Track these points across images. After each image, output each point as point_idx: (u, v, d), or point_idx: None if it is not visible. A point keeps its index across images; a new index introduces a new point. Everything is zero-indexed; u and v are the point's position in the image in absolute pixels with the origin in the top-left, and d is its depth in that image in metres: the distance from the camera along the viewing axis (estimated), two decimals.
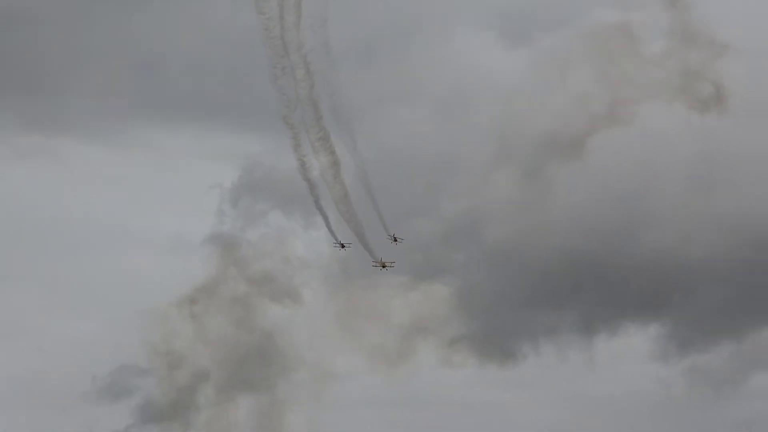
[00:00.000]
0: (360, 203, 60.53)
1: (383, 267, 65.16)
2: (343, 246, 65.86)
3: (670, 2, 69.45)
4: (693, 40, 68.79)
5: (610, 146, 74.60)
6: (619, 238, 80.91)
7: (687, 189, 77.57)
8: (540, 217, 74.51)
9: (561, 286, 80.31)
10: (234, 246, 72.53)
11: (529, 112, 78.02)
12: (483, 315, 61.63)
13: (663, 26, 70.93)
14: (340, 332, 67.71)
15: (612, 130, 72.74)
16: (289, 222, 73.62)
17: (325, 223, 60.47)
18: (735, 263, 52.48)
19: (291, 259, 72.05)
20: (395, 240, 66.82)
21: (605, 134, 72.98)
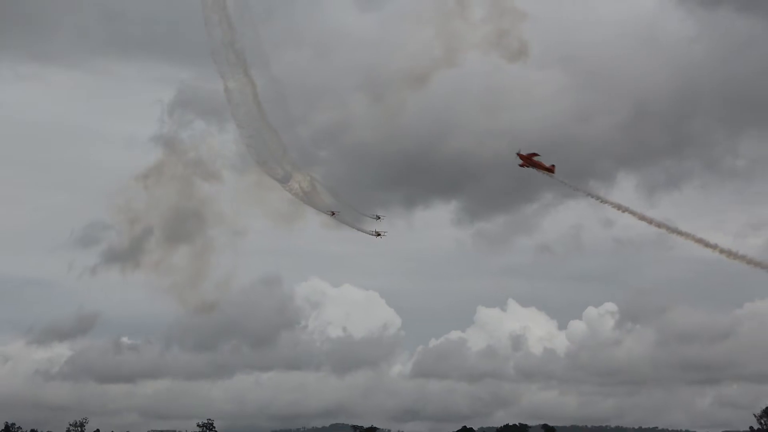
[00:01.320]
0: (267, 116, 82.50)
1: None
2: (333, 213, 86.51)
3: None
4: (503, 9, 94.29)
5: (445, 82, 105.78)
6: (435, 141, 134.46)
7: (484, 110, 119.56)
8: (388, 128, 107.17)
9: (394, 174, 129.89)
10: (172, 143, 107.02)
11: (386, 55, 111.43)
12: (343, 194, 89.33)
13: None
14: (249, 201, 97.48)
15: (446, 70, 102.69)
16: (209, 127, 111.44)
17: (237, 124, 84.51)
18: (510, 162, 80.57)
19: (211, 151, 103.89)
20: (378, 218, 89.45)
21: (442, 73, 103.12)
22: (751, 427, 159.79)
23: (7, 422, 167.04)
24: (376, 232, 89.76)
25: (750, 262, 77.67)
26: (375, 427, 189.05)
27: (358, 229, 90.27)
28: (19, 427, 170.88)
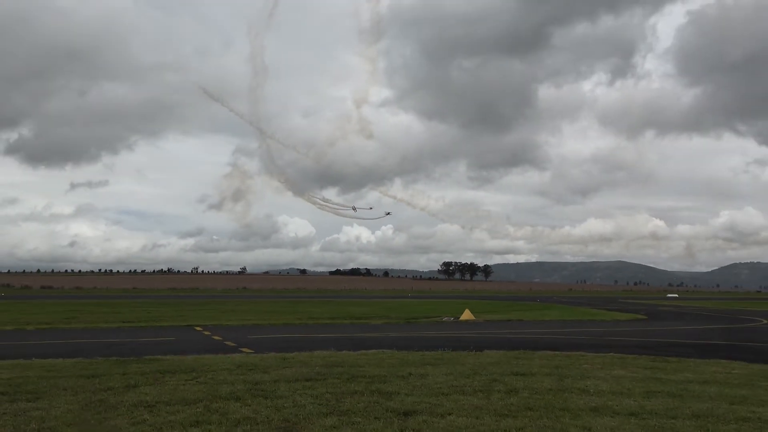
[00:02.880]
0: None
1: None
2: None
3: None
4: None
5: None
6: None
7: None
8: None
9: None
10: None
11: None
12: None
13: None
14: None
15: None
16: None
17: None
18: None
19: None
20: (354, 209, 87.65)
21: None
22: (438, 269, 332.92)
23: (168, 267, 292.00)
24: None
25: None
26: (305, 269, 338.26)
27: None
28: (173, 269, 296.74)
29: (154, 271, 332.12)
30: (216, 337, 25.79)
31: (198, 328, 31.01)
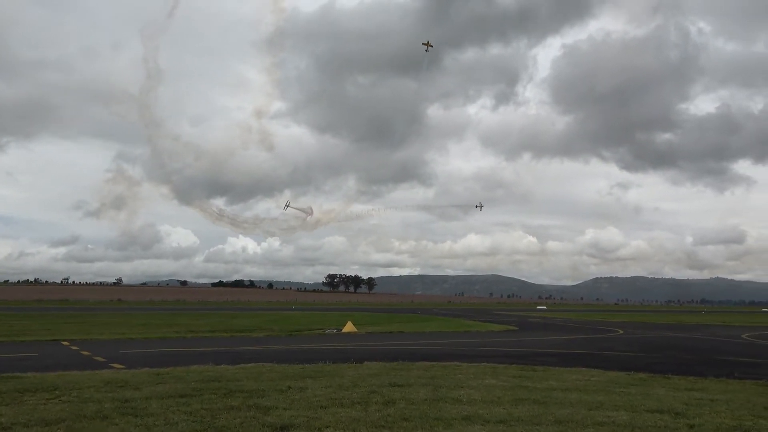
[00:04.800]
0: None
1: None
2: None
3: None
4: None
5: None
6: None
7: None
8: None
9: None
10: None
11: None
12: None
13: None
14: None
15: None
16: None
17: None
18: None
19: None
20: (286, 206, 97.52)
21: None
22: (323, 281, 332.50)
23: (36, 277, 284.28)
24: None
25: None
26: (186, 281, 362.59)
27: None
28: (40, 280, 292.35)
29: (19, 281, 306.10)
30: (84, 352, 24.14)
31: (65, 343, 28.88)
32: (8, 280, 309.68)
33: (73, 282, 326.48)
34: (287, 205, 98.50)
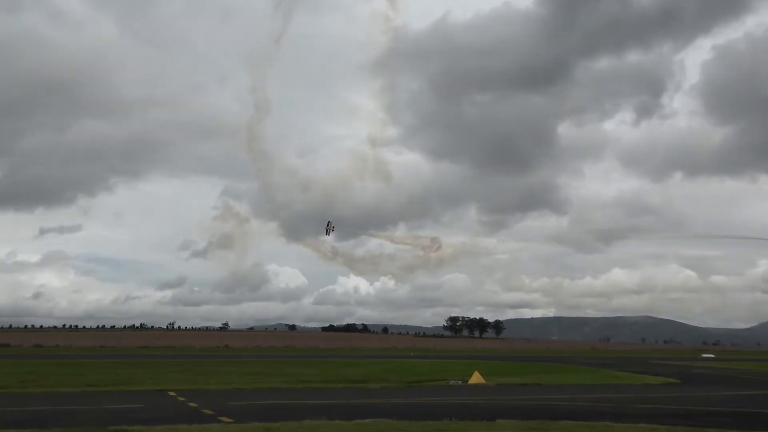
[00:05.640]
0: None
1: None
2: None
3: None
4: None
5: None
6: None
7: None
8: None
9: None
10: None
11: None
12: None
13: None
14: None
15: None
16: None
17: None
18: None
19: None
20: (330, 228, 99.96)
21: None
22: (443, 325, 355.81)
23: (141, 323, 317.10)
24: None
25: None
26: (294, 325, 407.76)
27: None
28: (146, 325, 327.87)
29: (125, 327, 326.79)
30: (192, 404, 25.30)
31: (172, 393, 30.47)
32: (115, 326, 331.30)
33: (179, 327, 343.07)
34: (332, 229, 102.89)
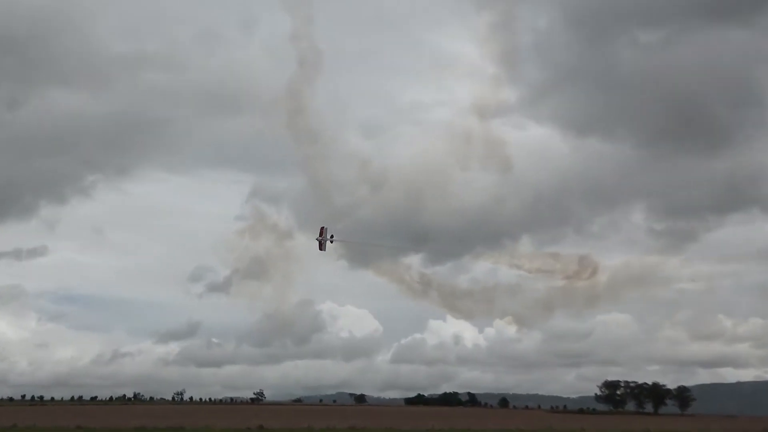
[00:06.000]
0: None
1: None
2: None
3: None
4: None
5: None
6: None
7: None
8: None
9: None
10: (247, 217, 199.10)
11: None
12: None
13: None
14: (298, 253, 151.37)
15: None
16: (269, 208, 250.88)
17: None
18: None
19: (274, 222, 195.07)
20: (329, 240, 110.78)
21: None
22: (596, 394, 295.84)
23: (135, 392, 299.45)
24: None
25: None
26: (364, 395, 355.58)
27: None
28: (142, 395, 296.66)
29: (112, 398, 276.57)
30: None
31: None
32: (97, 396, 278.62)
33: (191, 398, 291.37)
34: (328, 239, 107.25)
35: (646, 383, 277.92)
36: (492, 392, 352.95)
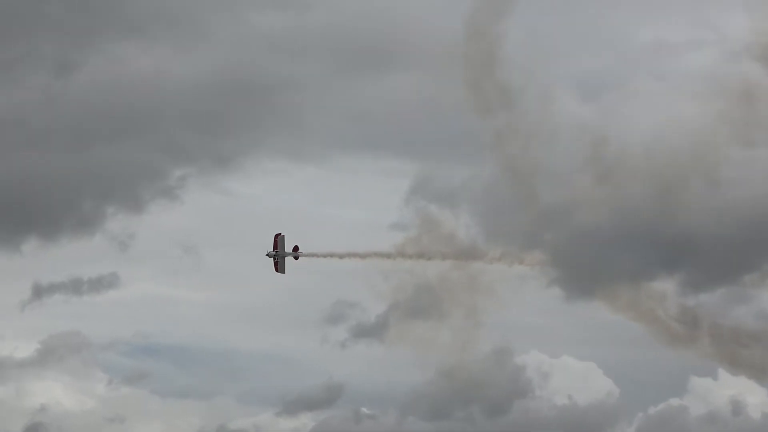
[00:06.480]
0: None
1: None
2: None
3: None
4: None
5: None
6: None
7: None
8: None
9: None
10: (409, 228, 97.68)
11: None
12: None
13: None
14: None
15: None
16: (442, 211, 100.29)
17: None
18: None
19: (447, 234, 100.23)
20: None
21: None
22: None
23: None
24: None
25: None
26: None
27: None
28: None
29: None
30: None
31: None
32: None
33: None
34: (289, 254, 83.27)
35: None
36: None
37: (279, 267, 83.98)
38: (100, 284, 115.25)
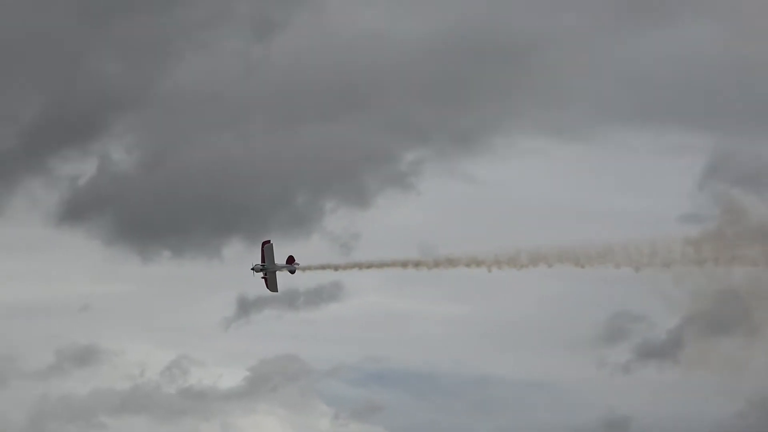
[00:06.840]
0: None
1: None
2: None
3: None
4: None
5: None
6: None
7: None
8: None
9: None
10: (705, 220, 70.26)
11: None
12: None
13: None
14: None
15: None
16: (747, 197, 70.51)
17: None
18: None
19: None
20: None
21: None
22: None
23: None
24: None
25: None
26: None
27: None
28: None
29: None
30: None
31: None
32: None
33: None
34: (282, 267, 69.16)
35: None
36: None
37: (269, 284, 68.85)
38: (319, 297, 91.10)
